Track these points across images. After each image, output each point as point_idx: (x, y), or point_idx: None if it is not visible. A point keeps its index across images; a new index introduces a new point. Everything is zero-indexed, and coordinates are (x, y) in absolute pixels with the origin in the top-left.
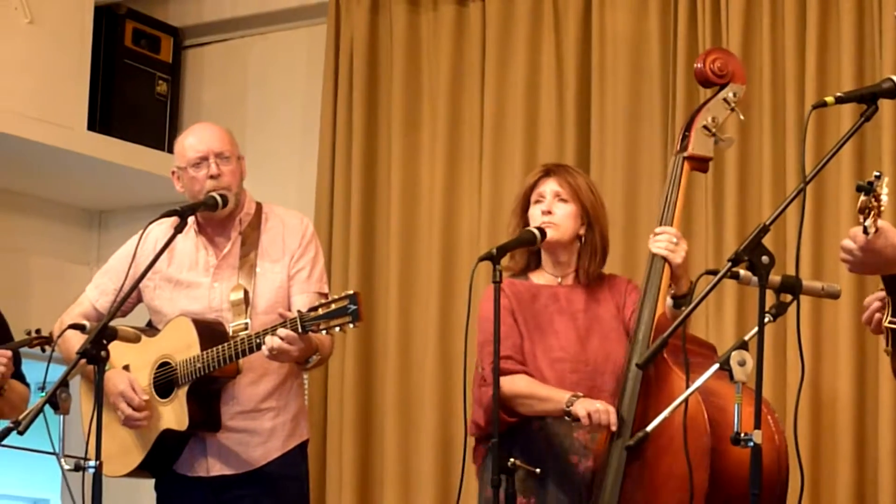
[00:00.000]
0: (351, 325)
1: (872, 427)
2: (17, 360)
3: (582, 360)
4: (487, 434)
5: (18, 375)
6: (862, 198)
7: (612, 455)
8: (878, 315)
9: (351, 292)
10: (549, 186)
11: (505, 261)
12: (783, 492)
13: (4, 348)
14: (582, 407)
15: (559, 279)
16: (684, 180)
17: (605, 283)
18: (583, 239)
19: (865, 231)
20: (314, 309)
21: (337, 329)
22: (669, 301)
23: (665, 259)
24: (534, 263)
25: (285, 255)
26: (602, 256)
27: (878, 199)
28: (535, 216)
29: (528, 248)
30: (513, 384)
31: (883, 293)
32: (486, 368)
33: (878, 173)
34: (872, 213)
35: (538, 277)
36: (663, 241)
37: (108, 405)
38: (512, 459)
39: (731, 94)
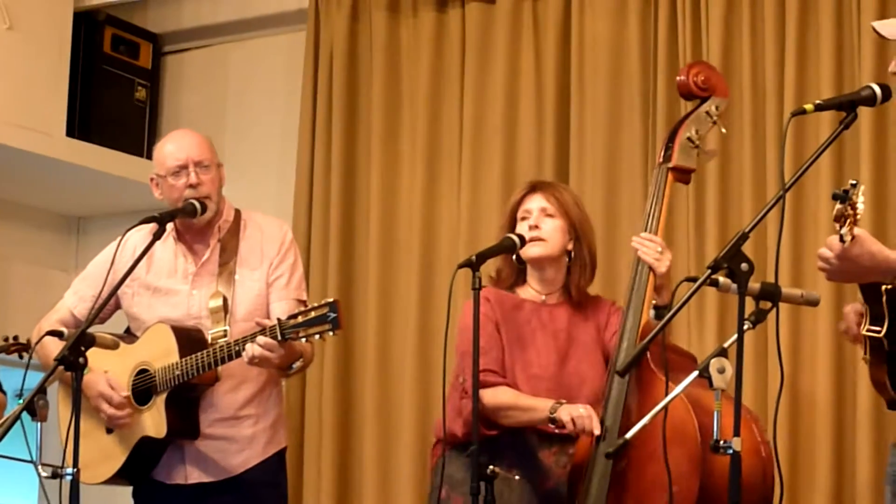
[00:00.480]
0: (331, 333)
1: (850, 433)
2: None
3: (557, 380)
4: (462, 443)
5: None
6: (838, 206)
7: (596, 462)
8: (855, 328)
9: (331, 300)
10: (536, 202)
11: (490, 272)
12: (768, 501)
13: None
14: (566, 412)
15: (544, 296)
16: (668, 191)
17: (589, 305)
18: (571, 254)
19: (842, 239)
20: (294, 317)
21: (317, 337)
22: (652, 312)
23: (649, 267)
24: (521, 280)
25: (264, 263)
26: (591, 271)
27: (853, 208)
28: (525, 233)
29: (517, 264)
30: (495, 396)
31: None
32: (469, 380)
33: (854, 181)
34: (849, 221)
35: (524, 293)
36: (650, 249)
37: (87, 411)
38: (491, 467)
39: (713, 108)
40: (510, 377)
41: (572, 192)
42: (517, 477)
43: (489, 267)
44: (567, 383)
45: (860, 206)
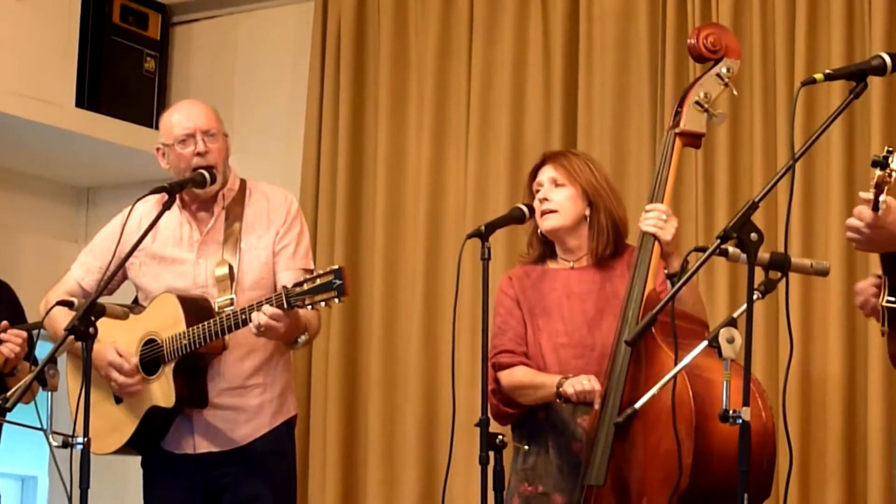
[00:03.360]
0: (336, 300)
1: (862, 406)
2: (30, 343)
3: (588, 344)
4: (504, 414)
5: (31, 359)
6: (878, 173)
7: (599, 431)
8: (873, 300)
9: (336, 267)
10: (546, 174)
11: (520, 248)
12: (770, 468)
13: (19, 328)
14: (570, 385)
15: (571, 263)
16: (675, 157)
17: (625, 258)
18: (588, 219)
19: (876, 207)
20: (299, 284)
21: (322, 304)
22: (668, 283)
23: (654, 236)
24: (550, 252)
25: (270, 231)
26: (611, 234)
27: (890, 175)
28: (537, 206)
29: (542, 236)
30: (511, 377)
31: (878, 277)
32: (491, 360)
33: (890, 148)
34: (886, 188)
35: (554, 264)
36: (652, 219)
37: (96, 381)
38: (500, 436)
39: (724, 70)
40: (536, 351)
41: (587, 158)
42: (526, 447)
43: (498, 237)
44: (601, 343)
45: (895, 174)
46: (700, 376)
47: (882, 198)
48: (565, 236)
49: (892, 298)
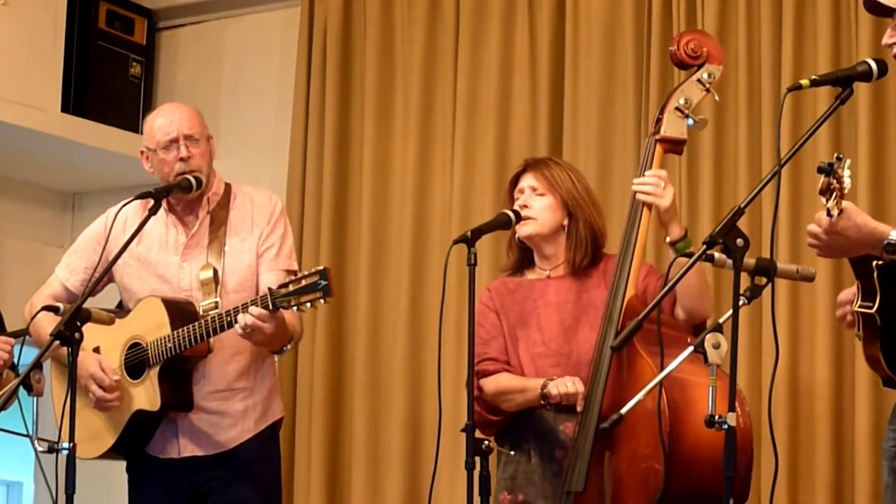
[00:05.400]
0: (322, 301)
1: (850, 413)
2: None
3: (564, 353)
4: (489, 422)
5: (12, 366)
6: (823, 179)
7: (580, 436)
8: (850, 318)
9: (321, 268)
10: (527, 181)
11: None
12: (748, 472)
13: (7, 335)
14: (553, 387)
15: (547, 272)
16: (657, 163)
17: (601, 267)
18: (566, 229)
19: (829, 213)
20: (285, 286)
21: (308, 305)
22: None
23: (652, 205)
24: (528, 260)
25: (254, 232)
26: (590, 245)
27: (839, 181)
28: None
29: (519, 244)
30: (497, 383)
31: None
32: (476, 368)
33: (839, 155)
34: (835, 194)
35: (532, 273)
36: (649, 185)
37: (79, 388)
38: (486, 442)
39: (705, 75)
40: (515, 362)
41: (569, 167)
42: (511, 452)
43: (484, 243)
44: (576, 351)
45: (846, 181)
46: (676, 378)
47: (831, 203)
48: (542, 244)
49: (866, 304)
